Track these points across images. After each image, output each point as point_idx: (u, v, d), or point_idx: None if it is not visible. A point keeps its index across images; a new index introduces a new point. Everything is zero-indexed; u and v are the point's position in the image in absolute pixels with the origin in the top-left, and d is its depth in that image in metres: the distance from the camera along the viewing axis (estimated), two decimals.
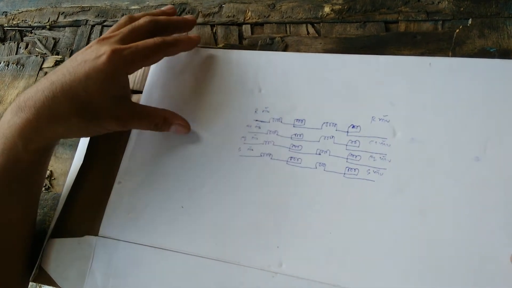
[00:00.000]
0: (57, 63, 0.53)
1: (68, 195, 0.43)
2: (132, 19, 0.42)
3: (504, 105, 0.37)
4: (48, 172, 0.46)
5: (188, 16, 0.47)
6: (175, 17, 0.47)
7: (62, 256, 0.40)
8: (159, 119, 0.41)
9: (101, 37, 0.40)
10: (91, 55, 0.38)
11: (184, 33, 0.47)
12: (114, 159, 0.44)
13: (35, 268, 0.40)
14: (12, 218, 0.37)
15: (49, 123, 0.36)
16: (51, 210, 0.44)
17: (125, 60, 0.38)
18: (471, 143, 0.36)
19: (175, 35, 0.44)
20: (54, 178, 0.46)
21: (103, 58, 0.37)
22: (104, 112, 0.38)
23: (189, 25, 0.46)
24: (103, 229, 0.41)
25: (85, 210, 0.43)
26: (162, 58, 0.42)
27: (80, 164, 0.44)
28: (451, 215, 0.35)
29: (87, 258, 0.40)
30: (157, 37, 0.41)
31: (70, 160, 0.46)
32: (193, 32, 0.50)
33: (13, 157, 0.36)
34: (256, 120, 0.42)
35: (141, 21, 0.41)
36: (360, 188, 0.37)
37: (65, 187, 0.45)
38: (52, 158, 0.45)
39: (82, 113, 0.37)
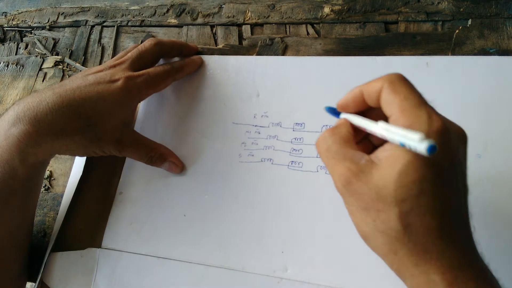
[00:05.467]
0: (57, 64, 0.53)
1: (69, 207, 0.43)
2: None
3: (503, 101, 0.37)
4: (48, 172, 0.46)
5: (191, 44, 0.49)
6: (178, 40, 0.48)
7: (64, 270, 0.40)
8: (154, 153, 0.41)
9: (112, 62, 0.41)
10: (104, 78, 0.38)
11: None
12: (115, 169, 0.44)
13: (36, 283, 0.40)
14: (8, 229, 0.37)
15: (49, 138, 0.35)
16: (51, 210, 0.44)
17: (139, 88, 0.39)
18: (472, 140, 0.36)
19: (181, 61, 0.45)
20: (54, 179, 0.46)
21: (119, 83, 0.38)
22: (107, 135, 0.38)
23: (191, 50, 0.47)
24: (106, 240, 0.41)
25: (87, 222, 0.42)
26: (171, 83, 0.44)
27: (79, 176, 0.44)
28: None
29: (91, 271, 0.39)
30: (165, 63, 0.43)
31: (70, 161, 0.46)
32: (193, 33, 0.50)
33: (10, 171, 0.35)
34: (256, 126, 0.42)
35: (147, 44, 0.43)
36: None
37: (64, 199, 0.44)
38: (52, 158, 0.45)
39: (86, 132, 0.37)
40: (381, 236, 0.25)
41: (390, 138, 0.24)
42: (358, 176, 0.25)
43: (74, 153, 0.41)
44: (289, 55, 0.46)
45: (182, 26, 0.51)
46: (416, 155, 0.23)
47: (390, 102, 0.26)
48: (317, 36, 0.46)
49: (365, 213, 0.26)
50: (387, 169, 0.24)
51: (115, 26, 0.54)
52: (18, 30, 0.58)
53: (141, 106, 0.46)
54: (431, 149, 0.21)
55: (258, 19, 0.49)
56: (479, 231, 0.34)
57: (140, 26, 0.53)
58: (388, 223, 0.24)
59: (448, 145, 0.24)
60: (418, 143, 0.21)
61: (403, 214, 0.24)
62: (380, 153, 0.25)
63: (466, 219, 0.26)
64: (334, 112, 0.31)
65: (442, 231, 0.24)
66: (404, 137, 0.23)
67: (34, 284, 0.40)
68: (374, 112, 0.28)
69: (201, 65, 0.46)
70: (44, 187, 0.46)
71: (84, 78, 0.38)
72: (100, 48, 0.53)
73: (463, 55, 0.41)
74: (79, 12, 0.56)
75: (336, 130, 0.28)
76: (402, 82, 0.26)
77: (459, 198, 0.25)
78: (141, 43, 0.44)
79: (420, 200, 0.24)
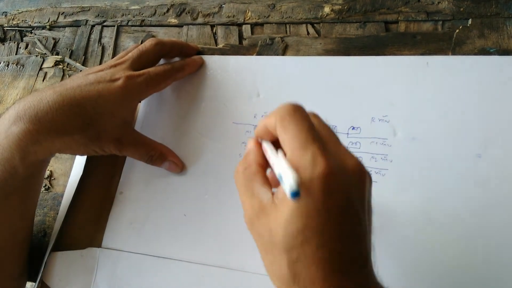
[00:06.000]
0: (57, 63, 0.53)
1: (69, 207, 0.43)
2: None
3: (503, 101, 0.37)
4: (48, 172, 0.46)
5: (191, 44, 0.48)
6: (178, 40, 0.48)
7: (65, 270, 0.40)
8: (155, 152, 0.41)
9: (112, 62, 0.41)
10: (105, 77, 0.38)
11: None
12: (115, 169, 0.44)
13: (36, 282, 0.40)
14: (8, 228, 0.37)
15: (49, 136, 0.35)
16: (51, 210, 0.44)
17: (139, 87, 0.39)
18: (472, 140, 0.37)
19: (181, 60, 0.45)
20: (54, 178, 0.46)
21: (119, 82, 0.38)
22: (107, 134, 0.38)
23: (192, 49, 0.47)
24: (106, 240, 0.41)
25: (87, 221, 0.42)
26: (171, 83, 0.44)
27: (80, 175, 0.44)
28: (455, 213, 0.35)
29: (91, 271, 0.39)
30: (165, 63, 0.42)
31: (70, 160, 0.46)
32: (194, 33, 0.50)
33: (10, 169, 0.35)
34: (256, 125, 0.42)
35: (148, 44, 0.42)
36: None
37: (64, 199, 0.44)
38: (52, 158, 0.45)
39: (87, 131, 0.37)
40: (276, 280, 0.25)
41: (277, 174, 0.24)
42: (259, 216, 0.25)
43: (74, 152, 0.41)
44: (289, 55, 0.46)
45: (182, 26, 0.51)
46: (299, 202, 0.23)
47: (282, 141, 0.25)
48: (317, 35, 0.46)
49: (265, 254, 0.26)
50: (278, 213, 0.24)
51: (115, 25, 0.54)
52: (18, 30, 0.58)
53: (142, 105, 0.46)
54: (294, 195, 0.21)
55: (258, 19, 0.49)
56: (481, 229, 0.34)
57: (140, 25, 0.53)
58: (280, 270, 0.24)
59: (334, 189, 0.23)
60: (287, 186, 0.22)
61: (291, 263, 0.23)
62: (279, 193, 0.25)
63: (361, 261, 0.25)
64: None
65: (327, 281, 0.23)
66: (281, 176, 0.23)
67: (34, 283, 0.40)
68: None
69: (202, 65, 0.46)
70: (44, 186, 0.46)
71: (85, 77, 0.38)
72: (100, 47, 0.53)
73: (463, 54, 0.41)
74: (79, 11, 0.56)
75: (247, 163, 0.28)
76: (291, 117, 0.25)
77: (350, 243, 0.24)
78: (141, 43, 0.44)
79: (305, 249, 0.23)
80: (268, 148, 0.28)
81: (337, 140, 0.27)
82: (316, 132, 0.25)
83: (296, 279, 0.24)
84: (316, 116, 0.28)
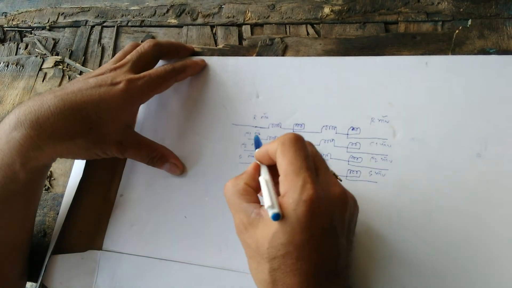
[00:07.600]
0: (57, 64, 0.53)
1: (69, 209, 0.43)
2: (136, 45, 0.43)
3: (502, 100, 0.38)
4: (48, 172, 0.46)
5: (187, 45, 0.48)
6: (175, 41, 0.48)
7: (65, 273, 0.40)
8: (156, 153, 0.41)
9: (112, 65, 0.40)
10: (106, 81, 0.38)
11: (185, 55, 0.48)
12: (115, 171, 0.44)
13: (37, 286, 0.40)
14: (8, 233, 0.37)
15: (50, 141, 0.35)
16: (50, 210, 0.44)
17: (141, 90, 0.39)
18: (472, 139, 0.37)
19: (183, 61, 0.44)
20: (54, 178, 0.46)
21: (121, 86, 0.38)
22: (109, 137, 0.38)
23: (188, 50, 0.47)
24: (107, 242, 0.41)
25: (87, 224, 0.42)
26: (172, 84, 0.43)
27: (79, 177, 0.44)
28: (455, 212, 0.35)
29: (92, 273, 0.39)
30: (166, 65, 0.42)
31: (70, 161, 0.46)
32: (193, 34, 0.50)
33: (11, 174, 0.35)
34: (255, 127, 0.42)
35: (146, 45, 0.42)
36: (363, 190, 0.37)
37: (64, 201, 0.44)
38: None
39: (89, 135, 0.37)
40: (259, 283, 0.29)
41: (263, 197, 0.28)
42: (247, 228, 0.29)
43: (76, 157, 0.41)
44: (289, 55, 0.46)
45: (182, 26, 0.51)
46: (285, 220, 0.27)
47: (279, 164, 0.29)
48: (317, 36, 0.46)
49: (251, 261, 0.29)
50: (265, 227, 0.27)
51: (115, 26, 0.54)
52: (18, 30, 0.58)
53: (141, 107, 0.46)
54: (274, 216, 0.26)
55: (258, 19, 0.49)
56: (481, 229, 0.34)
57: (140, 26, 0.53)
58: (263, 275, 0.28)
59: (318, 212, 0.27)
60: (269, 211, 0.26)
61: (272, 270, 0.27)
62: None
63: (336, 274, 0.28)
64: (258, 143, 0.35)
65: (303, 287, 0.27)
66: (265, 200, 0.27)
67: (34, 283, 0.40)
68: None
69: (204, 68, 0.46)
70: (44, 187, 0.45)
71: (85, 81, 0.38)
72: (100, 48, 0.53)
73: (463, 55, 0.41)
74: (79, 12, 0.56)
75: (236, 181, 0.31)
76: (291, 144, 0.28)
77: (327, 258, 0.27)
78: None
79: (286, 260, 0.26)
80: (263, 172, 0.31)
81: (326, 169, 0.30)
82: (310, 162, 0.28)
83: (274, 284, 0.27)
84: (312, 145, 0.31)
